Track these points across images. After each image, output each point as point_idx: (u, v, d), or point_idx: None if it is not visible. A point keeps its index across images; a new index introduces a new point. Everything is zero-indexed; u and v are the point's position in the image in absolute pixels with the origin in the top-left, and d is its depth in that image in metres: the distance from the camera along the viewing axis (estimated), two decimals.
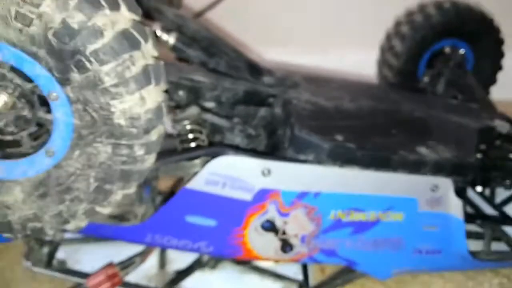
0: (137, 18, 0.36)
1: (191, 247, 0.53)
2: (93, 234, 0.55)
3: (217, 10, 0.92)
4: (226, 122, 0.57)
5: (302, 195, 0.52)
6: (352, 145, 0.53)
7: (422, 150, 0.56)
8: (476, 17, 0.80)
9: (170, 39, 0.55)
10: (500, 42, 0.82)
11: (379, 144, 0.55)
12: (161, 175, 0.59)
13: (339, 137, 0.54)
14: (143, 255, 0.59)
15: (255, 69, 0.62)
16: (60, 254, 0.59)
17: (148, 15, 0.59)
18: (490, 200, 0.74)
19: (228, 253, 0.54)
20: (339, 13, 0.97)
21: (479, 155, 0.63)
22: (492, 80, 0.84)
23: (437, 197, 0.56)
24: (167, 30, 0.56)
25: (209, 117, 0.56)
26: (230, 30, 0.94)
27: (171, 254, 0.63)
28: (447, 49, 0.81)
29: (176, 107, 0.54)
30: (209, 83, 0.54)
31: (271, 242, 0.53)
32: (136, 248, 0.58)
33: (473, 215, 0.69)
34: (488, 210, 0.73)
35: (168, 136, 0.57)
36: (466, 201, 0.73)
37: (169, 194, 0.54)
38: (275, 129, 0.58)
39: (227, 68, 0.59)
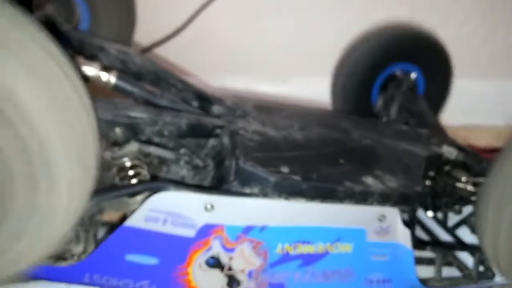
0: None
1: (132, 287, 0.51)
2: (26, 275, 0.52)
3: (179, 42, 0.92)
4: (171, 154, 0.56)
5: (248, 229, 0.51)
6: (298, 177, 0.52)
7: (369, 180, 0.56)
8: (420, 39, 0.81)
9: (111, 78, 0.54)
10: (449, 65, 0.83)
11: (325, 175, 0.54)
12: (106, 210, 0.56)
13: (285, 169, 0.53)
14: None
15: (204, 99, 0.61)
16: None
17: (90, 54, 0.57)
18: (443, 223, 0.74)
19: None
20: (301, 40, 0.97)
21: (428, 182, 0.63)
22: (442, 104, 0.86)
23: (385, 227, 0.55)
24: (108, 68, 0.55)
25: (153, 150, 0.55)
26: (189, 60, 0.94)
27: None
28: (399, 73, 0.82)
29: (114, 144, 0.52)
30: (148, 118, 0.52)
31: (217, 279, 0.52)
32: None
33: (424, 242, 0.69)
34: (443, 233, 0.73)
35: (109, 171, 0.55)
36: (420, 225, 0.74)
37: (110, 230, 0.52)
38: (223, 160, 0.57)
39: (173, 100, 0.58)
